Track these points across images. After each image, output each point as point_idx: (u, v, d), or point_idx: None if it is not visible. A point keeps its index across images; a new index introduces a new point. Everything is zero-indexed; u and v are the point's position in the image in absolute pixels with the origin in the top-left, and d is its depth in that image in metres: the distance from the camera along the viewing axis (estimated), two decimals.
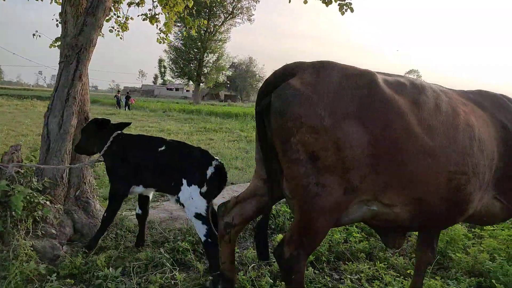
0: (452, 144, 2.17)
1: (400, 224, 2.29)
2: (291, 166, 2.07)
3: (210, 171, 2.93)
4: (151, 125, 16.27)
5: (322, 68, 2.15)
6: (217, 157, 3.08)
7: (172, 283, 2.94)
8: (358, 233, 4.08)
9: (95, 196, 3.73)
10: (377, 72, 2.29)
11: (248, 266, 3.23)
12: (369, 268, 3.39)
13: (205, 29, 46.07)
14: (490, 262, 3.41)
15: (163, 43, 6.66)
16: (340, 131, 1.99)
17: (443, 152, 2.14)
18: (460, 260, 3.53)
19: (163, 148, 3.10)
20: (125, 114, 22.38)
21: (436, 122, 2.17)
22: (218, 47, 48.44)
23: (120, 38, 6.78)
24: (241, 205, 2.59)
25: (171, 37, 46.24)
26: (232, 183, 5.58)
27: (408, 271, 3.41)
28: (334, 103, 2.02)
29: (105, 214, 3.26)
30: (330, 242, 3.84)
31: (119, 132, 3.39)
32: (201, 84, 50.37)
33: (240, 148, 10.61)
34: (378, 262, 3.61)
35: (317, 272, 3.33)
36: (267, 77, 2.33)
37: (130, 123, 3.75)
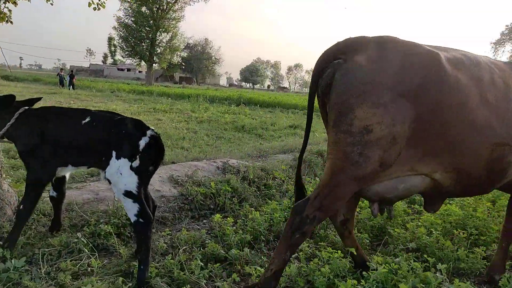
0: (501, 117, 2.29)
1: (442, 190, 2.44)
2: (339, 134, 2.16)
3: (143, 142, 2.55)
4: (95, 105, 15.26)
5: (385, 44, 2.20)
6: (152, 127, 2.71)
7: (89, 270, 2.60)
8: None
9: (2, 174, 3.23)
10: (437, 48, 2.34)
11: (179, 249, 2.96)
12: (309, 246, 3.26)
13: (157, 6, 43.99)
14: (427, 237, 3.41)
15: (97, 10, 6.04)
16: (398, 107, 2.09)
17: (492, 126, 2.26)
18: (399, 236, 3.50)
19: (87, 119, 2.68)
20: (68, 94, 20.87)
21: (490, 96, 2.28)
22: (172, 26, 46.36)
23: (51, 4, 6.09)
24: None
25: (121, 13, 43.83)
26: (173, 162, 5.24)
27: (347, 249, 3.32)
28: (396, 80, 2.10)
29: (21, 207, 2.72)
30: (270, 221, 3.67)
31: (27, 108, 2.86)
32: (154, 64, 48.31)
33: (189, 129, 10.20)
34: (319, 239, 3.51)
35: (254, 252, 3.14)
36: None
37: (41, 98, 3.21)
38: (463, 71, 2.26)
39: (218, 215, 3.54)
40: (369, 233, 3.66)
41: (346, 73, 2.14)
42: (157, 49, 46.69)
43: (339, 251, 2.89)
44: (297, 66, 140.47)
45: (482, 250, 3.19)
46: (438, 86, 2.15)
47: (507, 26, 51.58)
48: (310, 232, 2.31)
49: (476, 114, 2.22)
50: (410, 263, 2.75)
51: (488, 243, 3.52)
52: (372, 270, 2.65)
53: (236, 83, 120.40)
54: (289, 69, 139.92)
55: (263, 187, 4.71)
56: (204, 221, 3.84)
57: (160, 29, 45.66)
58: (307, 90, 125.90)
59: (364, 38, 2.26)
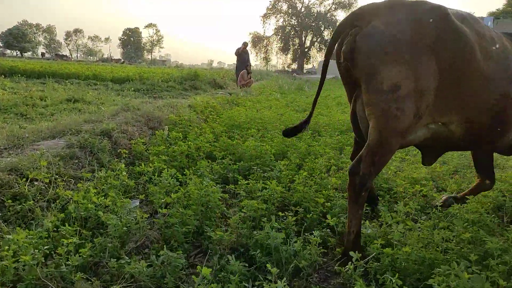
0: (502, 71, 2.52)
1: (451, 142, 2.67)
2: (373, 94, 2.33)
3: None
4: None
5: (395, 7, 2.40)
6: None
7: None
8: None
9: None
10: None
11: None
12: None
13: None
14: (255, 232, 2.65)
15: None
16: (419, 63, 2.29)
17: (496, 77, 2.49)
18: (222, 238, 2.61)
19: None
20: None
21: (492, 51, 2.51)
22: None
23: None
24: None
25: None
26: None
27: None
28: (413, 38, 2.29)
29: None
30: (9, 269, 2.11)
31: None
32: None
33: None
34: None
35: None
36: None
37: None
38: (468, 25, 2.45)
39: None
40: (184, 243, 2.63)
41: (368, 38, 2.31)
42: None
43: None
44: (78, 31, 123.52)
45: (315, 236, 2.60)
46: (452, 37, 2.33)
47: (270, 1, 62.73)
48: (370, 187, 2.46)
49: (484, 65, 2.42)
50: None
51: (315, 220, 3.07)
52: None
53: None
54: (68, 34, 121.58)
55: (10, 201, 2.92)
56: None
57: None
58: (92, 58, 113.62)
59: (375, 4, 2.43)
